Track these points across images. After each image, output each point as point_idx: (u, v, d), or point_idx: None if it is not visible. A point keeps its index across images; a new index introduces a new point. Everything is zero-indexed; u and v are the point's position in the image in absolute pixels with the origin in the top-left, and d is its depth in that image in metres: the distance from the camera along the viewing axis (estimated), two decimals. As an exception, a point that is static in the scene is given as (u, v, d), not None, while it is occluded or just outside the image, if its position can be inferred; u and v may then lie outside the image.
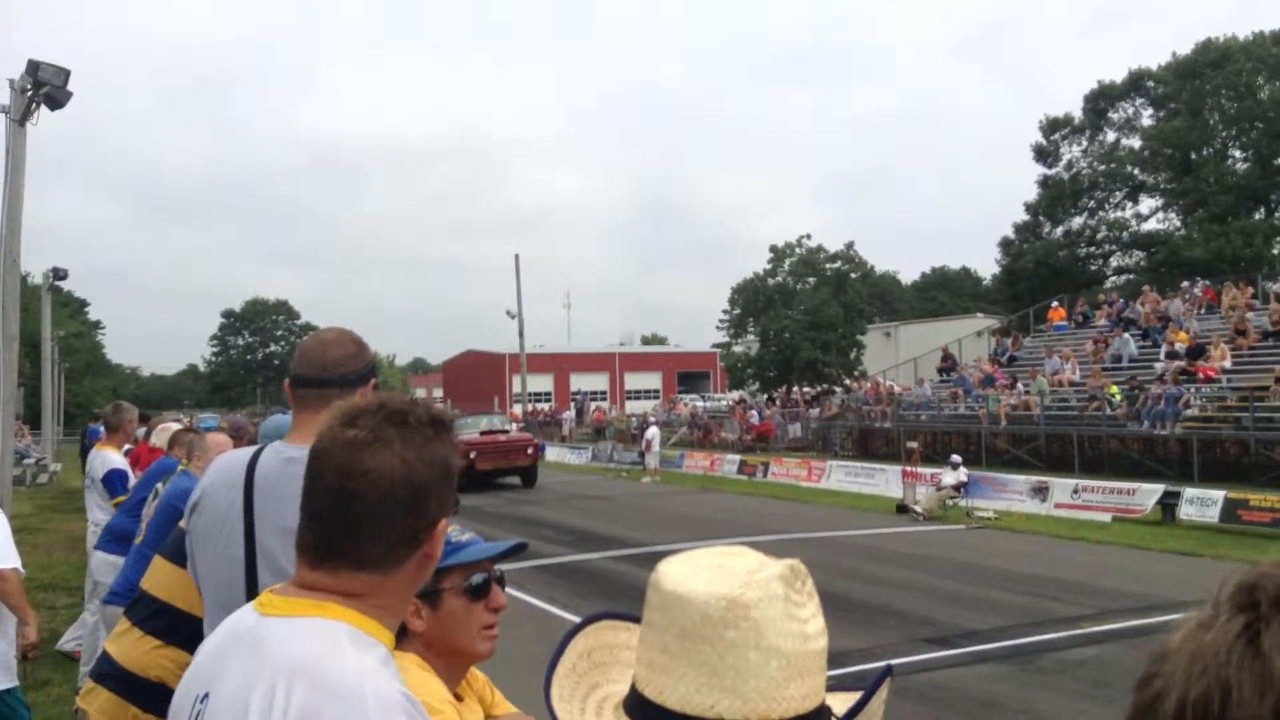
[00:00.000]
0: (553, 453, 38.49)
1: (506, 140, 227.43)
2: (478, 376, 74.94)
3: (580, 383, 70.56)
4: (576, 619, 1.29)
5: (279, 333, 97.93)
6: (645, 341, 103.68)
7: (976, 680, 8.45)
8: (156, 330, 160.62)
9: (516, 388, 52.65)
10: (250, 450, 2.37)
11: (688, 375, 77.47)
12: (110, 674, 3.11)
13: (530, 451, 25.04)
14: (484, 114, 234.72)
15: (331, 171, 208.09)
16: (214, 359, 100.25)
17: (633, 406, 59.17)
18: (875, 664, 8.77)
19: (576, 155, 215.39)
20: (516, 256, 42.57)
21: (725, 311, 59.75)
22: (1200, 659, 0.51)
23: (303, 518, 1.39)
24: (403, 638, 1.91)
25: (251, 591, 2.12)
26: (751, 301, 56.18)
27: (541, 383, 69.47)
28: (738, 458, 29.00)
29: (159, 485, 5.01)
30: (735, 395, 51.23)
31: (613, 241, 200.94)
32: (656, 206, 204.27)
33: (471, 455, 22.78)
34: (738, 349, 60.46)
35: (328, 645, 1.28)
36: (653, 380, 77.30)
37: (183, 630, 2.91)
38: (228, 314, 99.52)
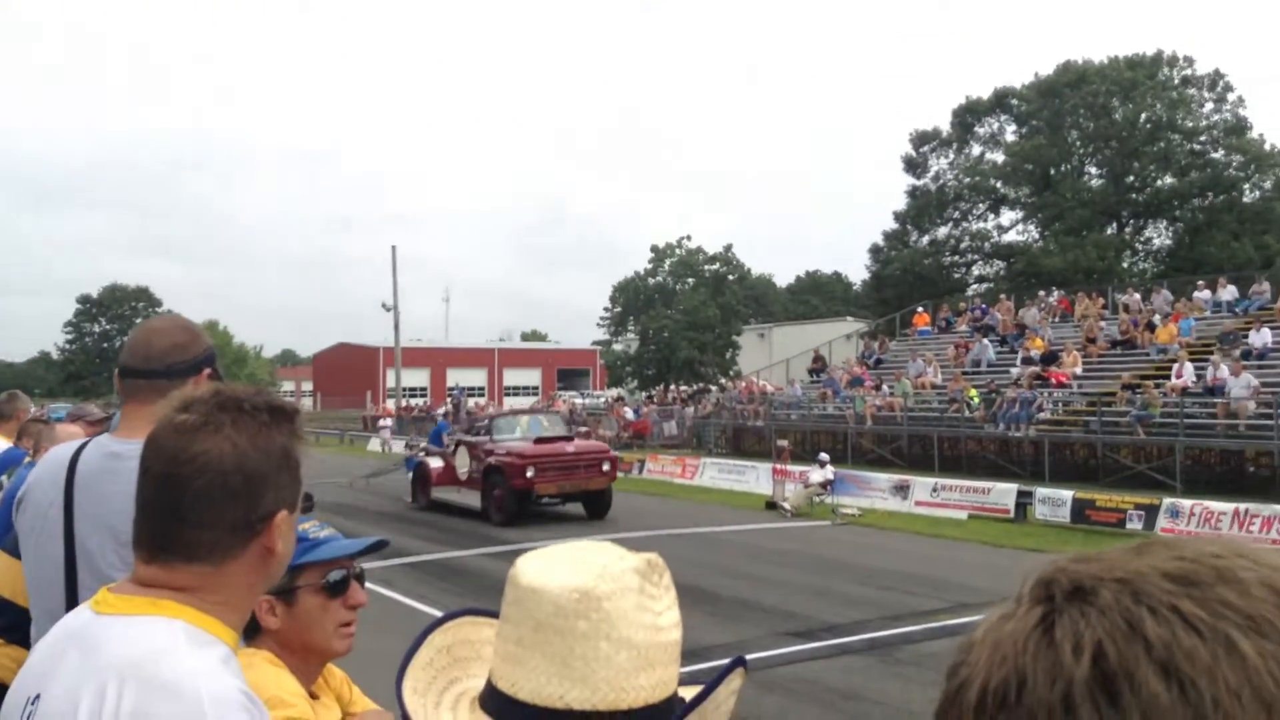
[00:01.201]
0: (427, 448, 37.97)
1: (389, 135, 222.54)
2: (349, 370, 73.21)
3: (457, 378, 69.65)
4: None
5: (139, 320, 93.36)
6: (525, 338, 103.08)
7: (837, 672, 8.71)
8: (6, 315, 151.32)
9: (390, 382, 51.60)
10: (76, 444, 2.26)
11: (567, 372, 77.42)
12: None
13: (607, 468, 17.96)
14: (369, 109, 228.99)
15: (205, 160, 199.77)
16: (68, 346, 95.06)
17: (511, 403, 58.78)
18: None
19: (462, 152, 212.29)
20: (393, 248, 41.77)
21: (606, 310, 59.97)
22: (1001, 649, 0.55)
23: (136, 509, 1.35)
24: (256, 634, 1.88)
25: (71, 593, 2.03)
26: (632, 300, 56.53)
27: (417, 377, 68.33)
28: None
29: (3, 477, 4.76)
30: (614, 393, 51.47)
31: (496, 239, 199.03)
32: (542, 205, 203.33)
33: (528, 473, 16.86)
34: (617, 347, 60.70)
35: (162, 644, 1.24)
36: (532, 377, 76.95)
37: (26, 628, 2.78)
38: (84, 300, 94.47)
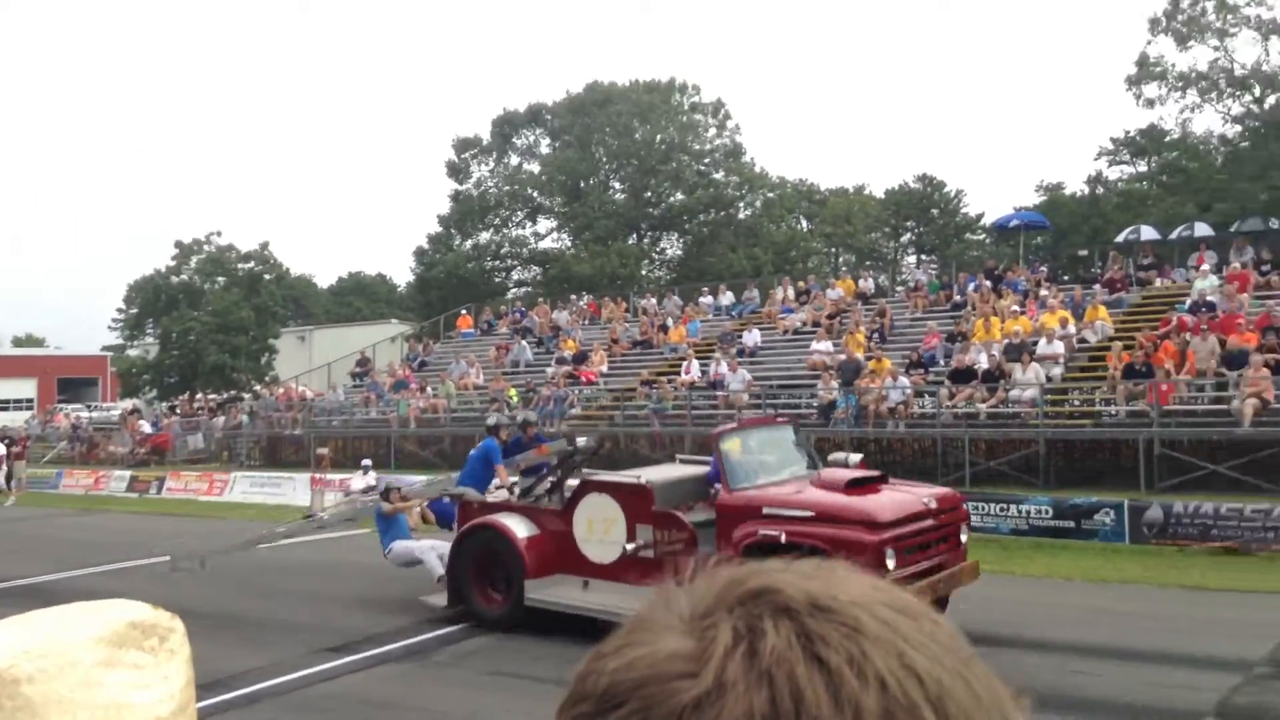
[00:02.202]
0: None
1: None
2: None
3: (-75, 391, 58.80)
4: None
5: None
6: (17, 343, 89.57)
7: (376, 683, 8.63)
8: None
9: None
10: None
11: (71, 382, 68.28)
12: None
13: (964, 539, 9.73)
14: None
15: None
16: None
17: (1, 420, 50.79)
18: (271, 681, 8.56)
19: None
20: None
21: (120, 311, 54.07)
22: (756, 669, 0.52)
23: None
24: None
25: None
26: (152, 301, 51.54)
27: None
28: (128, 473, 26.42)
29: None
30: (128, 404, 46.58)
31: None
32: (38, 190, 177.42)
33: (889, 562, 8.35)
34: (133, 353, 55.10)
35: None
36: (25, 388, 66.82)
37: None
38: None
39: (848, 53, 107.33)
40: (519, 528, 10.31)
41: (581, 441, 11.99)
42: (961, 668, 0.52)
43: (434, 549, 11.16)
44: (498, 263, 56.85)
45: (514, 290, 53.98)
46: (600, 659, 0.56)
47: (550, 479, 11.21)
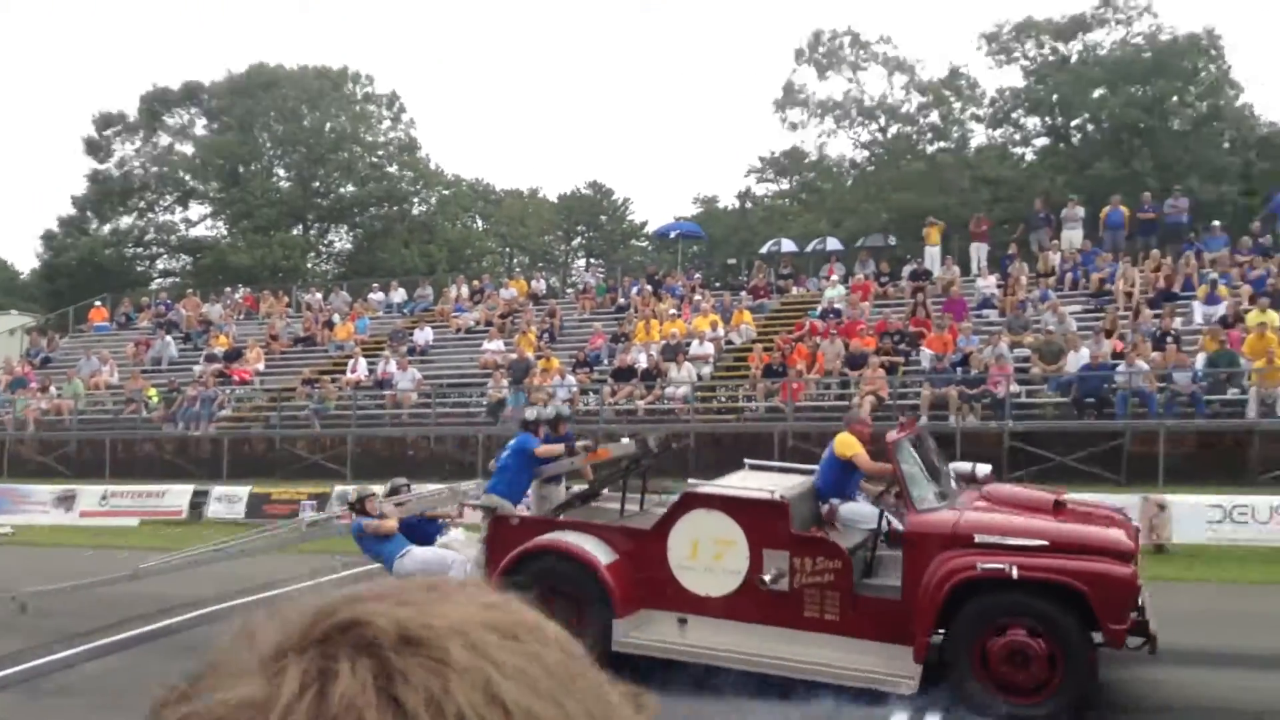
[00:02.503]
0: None
1: None
2: None
3: None
4: None
5: None
6: None
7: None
8: None
9: None
10: None
11: None
12: None
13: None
14: None
15: None
16: None
17: None
18: None
19: None
20: None
21: None
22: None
23: None
24: None
25: None
26: None
27: None
28: None
29: None
30: None
31: None
32: None
33: (1140, 600, 7.34)
34: None
35: None
36: None
37: None
38: None
39: (524, 56, 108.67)
40: (598, 553, 8.06)
41: (653, 441, 9.80)
42: (559, 690, 0.49)
43: (465, 564, 9.20)
44: (141, 250, 52.08)
45: (159, 280, 49.68)
46: (165, 708, 0.51)
47: (596, 489, 9.71)
